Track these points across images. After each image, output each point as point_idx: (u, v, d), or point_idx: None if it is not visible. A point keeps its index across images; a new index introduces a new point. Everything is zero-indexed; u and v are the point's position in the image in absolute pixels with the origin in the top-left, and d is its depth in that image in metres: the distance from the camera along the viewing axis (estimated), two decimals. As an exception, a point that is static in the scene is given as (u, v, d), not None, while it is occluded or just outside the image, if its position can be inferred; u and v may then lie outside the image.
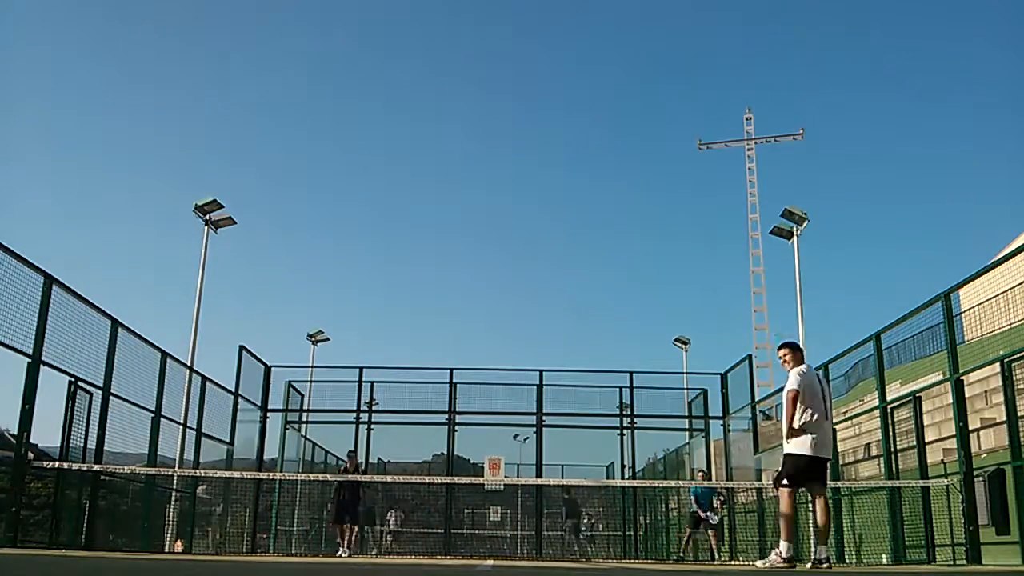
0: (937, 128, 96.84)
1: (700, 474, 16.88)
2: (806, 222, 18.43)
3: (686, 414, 19.58)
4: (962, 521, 9.90)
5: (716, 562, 14.40)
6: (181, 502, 14.89)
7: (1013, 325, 12.24)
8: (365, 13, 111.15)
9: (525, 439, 19.57)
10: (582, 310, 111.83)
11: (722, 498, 16.81)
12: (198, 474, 14.17)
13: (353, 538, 14.59)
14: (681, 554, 15.81)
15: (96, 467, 10.65)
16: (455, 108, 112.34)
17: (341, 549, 14.41)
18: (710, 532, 15.29)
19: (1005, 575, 7.26)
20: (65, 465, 9.91)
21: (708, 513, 15.16)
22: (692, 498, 15.53)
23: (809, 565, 7.27)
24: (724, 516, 17.04)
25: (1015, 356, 9.46)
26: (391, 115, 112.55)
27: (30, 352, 9.17)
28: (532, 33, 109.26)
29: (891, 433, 11.79)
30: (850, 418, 16.17)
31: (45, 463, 9.99)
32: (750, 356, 17.42)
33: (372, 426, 19.43)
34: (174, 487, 14.55)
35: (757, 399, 17.84)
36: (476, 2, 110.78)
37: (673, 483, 19.30)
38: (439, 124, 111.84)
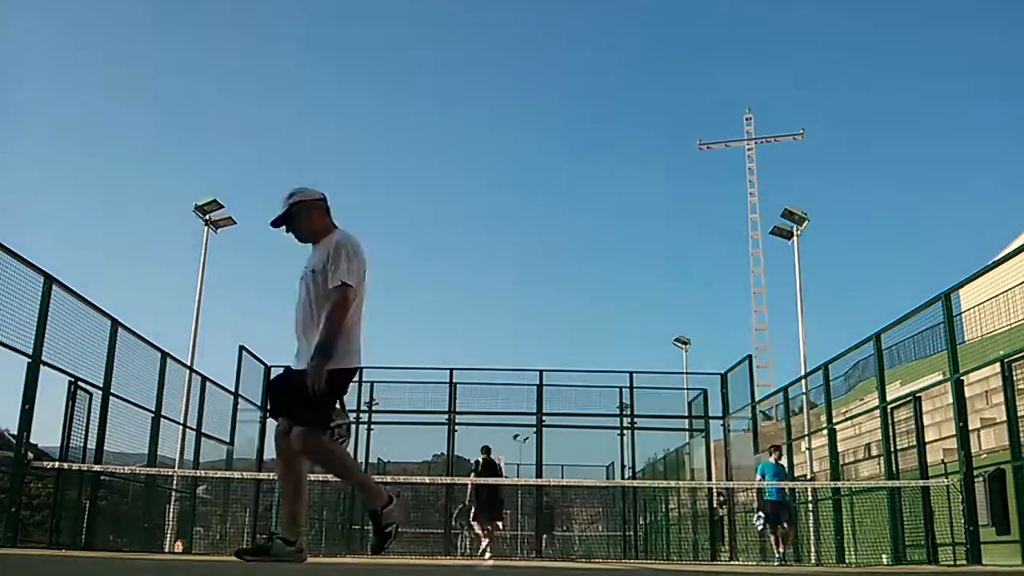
0: (937, 128, 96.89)
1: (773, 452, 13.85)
2: (806, 222, 18.43)
3: (686, 414, 19.58)
4: (962, 521, 9.91)
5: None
6: (181, 502, 14.89)
7: (1013, 325, 12.25)
8: (365, 8, 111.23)
9: (525, 439, 19.61)
10: (582, 310, 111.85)
11: (722, 498, 16.78)
12: (198, 474, 14.17)
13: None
14: (778, 552, 13.34)
15: (96, 467, 10.65)
16: (453, 102, 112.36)
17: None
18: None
19: (1005, 575, 7.27)
20: (65, 465, 9.91)
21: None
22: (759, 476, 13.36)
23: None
24: (723, 515, 17.08)
25: (1015, 356, 9.47)
26: (391, 113, 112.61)
27: (30, 352, 9.16)
28: (531, 33, 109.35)
29: (891, 433, 11.80)
30: (850, 418, 16.17)
31: (45, 463, 10.00)
32: (750, 356, 17.43)
33: (372, 426, 19.44)
34: (174, 487, 14.55)
35: (757, 399, 17.86)
36: None
37: (673, 483, 19.31)
38: (440, 119, 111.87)
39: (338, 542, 19.26)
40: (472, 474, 13.40)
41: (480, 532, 13.11)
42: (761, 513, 13.32)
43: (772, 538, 13.42)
